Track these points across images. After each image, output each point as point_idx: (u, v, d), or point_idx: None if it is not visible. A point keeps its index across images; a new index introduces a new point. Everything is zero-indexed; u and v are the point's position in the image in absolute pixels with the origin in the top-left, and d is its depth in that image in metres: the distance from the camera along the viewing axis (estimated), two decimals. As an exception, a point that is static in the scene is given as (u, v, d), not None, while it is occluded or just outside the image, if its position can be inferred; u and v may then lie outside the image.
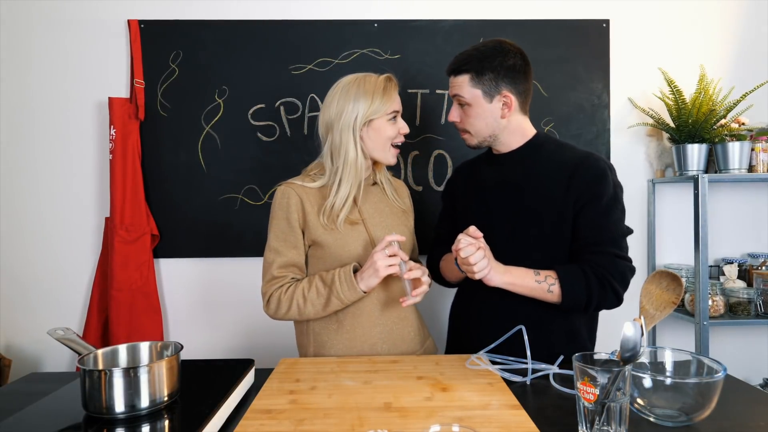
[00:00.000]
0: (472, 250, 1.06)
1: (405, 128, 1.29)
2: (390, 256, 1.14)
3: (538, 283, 1.12)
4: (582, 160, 1.18)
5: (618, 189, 1.18)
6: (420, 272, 1.18)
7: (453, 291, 1.46)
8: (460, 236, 1.08)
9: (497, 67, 1.18)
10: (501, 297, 1.16)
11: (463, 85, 1.21)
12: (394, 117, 1.27)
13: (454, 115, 1.26)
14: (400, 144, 1.30)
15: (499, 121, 1.22)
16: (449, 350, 1.41)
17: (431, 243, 1.49)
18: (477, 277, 1.08)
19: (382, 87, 1.25)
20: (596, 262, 1.13)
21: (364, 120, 1.23)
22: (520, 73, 1.21)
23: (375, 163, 1.33)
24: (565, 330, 1.20)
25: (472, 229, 1.10)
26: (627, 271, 1.15)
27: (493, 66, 1.18)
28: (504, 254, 1.15)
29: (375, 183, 1.36)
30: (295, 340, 1.37)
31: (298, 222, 1.24)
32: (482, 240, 1.10)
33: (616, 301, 1.14)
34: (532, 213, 1.20)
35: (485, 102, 1.20)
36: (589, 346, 1.26)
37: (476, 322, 1.28)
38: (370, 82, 1.25)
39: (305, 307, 1.19)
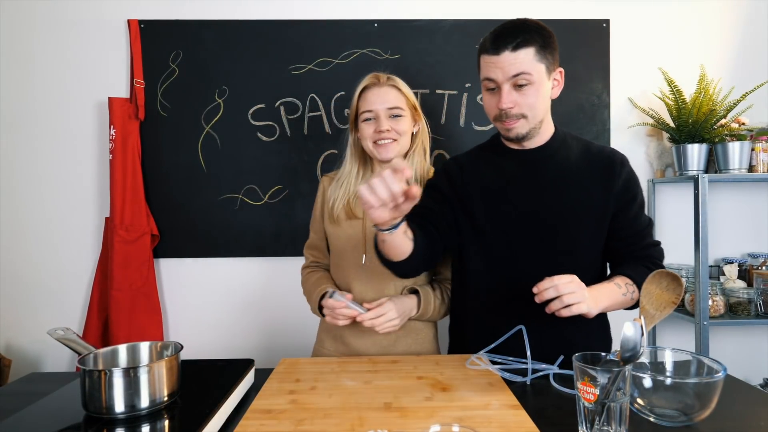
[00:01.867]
0: (573, 287, 0.95)
1: (381, 125, 1.26)
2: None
3: (623, 296, 1.08)
4: (612, 157, 1.17)
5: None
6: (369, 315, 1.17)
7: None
8: (555, 280, 0.95)
9: (552, 41, 1.08)
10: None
11: (528, 59, 1.04)
12: (368, 118, 1.27)
13: (510, 99, 1.07)
14: (387, 140, 1.27)
15: (549, 102, 1.12)
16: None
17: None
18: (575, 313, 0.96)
19: (358, 89, 1.30)
20: (650, 255, 1.15)
21: (351, 123, 1.34)
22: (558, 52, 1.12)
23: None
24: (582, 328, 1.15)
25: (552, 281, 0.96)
26: (663, 255, 1.20)
27: (550, 38, 1.07)
28: (544, 253, 1.13)
29: None
30: (304, 337, 1.43)
31: (320, 210, 1.38)
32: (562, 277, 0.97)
33: None
34: (574, 211, 1.13)
35: (546, 78, 1.08)
36: (607, 340, 1.25)
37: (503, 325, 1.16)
38: (358, 86, 1.31)
39: (306, 295, 1.37)
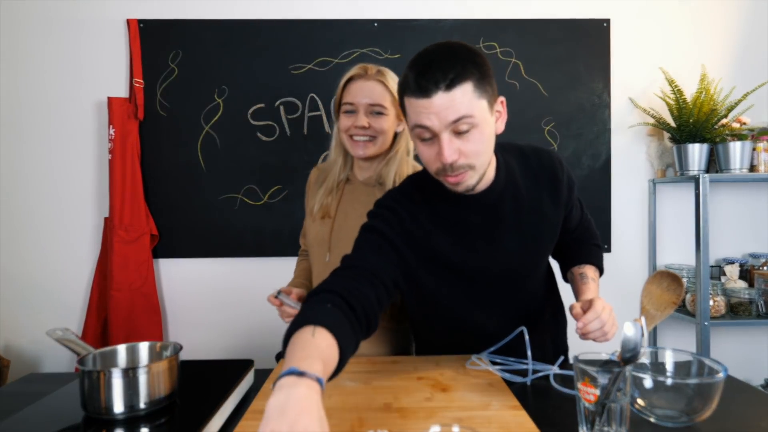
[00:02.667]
0: (611, 317, 0.97)
1: (359, 121, 1.20)
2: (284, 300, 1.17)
3: (593, 283, 1.12)
4: (552, 163, 1.05)
5: None
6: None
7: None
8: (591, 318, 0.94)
9: (487, 67, 0.87)
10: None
11: (466, 99, 0.83)
12: (349, 110, 1.22)
13: (453, 150, 0.85)
14: (362, 138, 1.22)
15: (493, 141, 0.92)
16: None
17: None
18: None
19: (344, 78, 1.25)
20: (594, 233, 1.22)
21: (335, 113, 1.30)
22: None
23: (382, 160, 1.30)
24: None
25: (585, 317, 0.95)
26: None
27: (486, 65, 0.87)
28: (510, 283, 1.06)
29: (379, 184, 1.27)
30: None
31: (306, 201, 1.37)
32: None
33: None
34: (534, 236, 1.04)
35: (489, 116, 0.88)
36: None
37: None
38: (348, 71, 1.26)
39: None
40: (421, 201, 1.00)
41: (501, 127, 0.93)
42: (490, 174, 0.98)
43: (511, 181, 1.01)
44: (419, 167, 1.18)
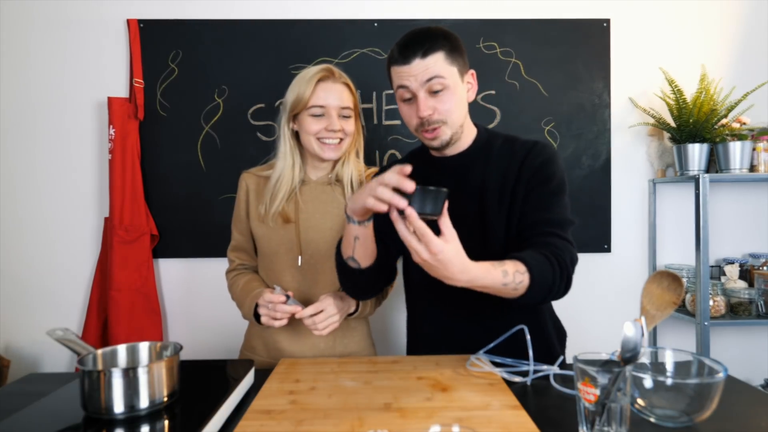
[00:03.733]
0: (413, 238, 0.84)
1: (332, 124, 1.21)
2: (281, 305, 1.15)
3: (503, 285, 0.93)
4: (531, 146, 1.11)
5: (565, 176, 1.12)
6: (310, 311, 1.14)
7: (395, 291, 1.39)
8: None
9: (459, 44, 1.07)
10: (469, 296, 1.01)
11: (439, 63, 1.03)
12: (319, 114, 1.21)
13: (428, 105, 1.04)
14: (333, 140, 1.22)
15: (466, 106, 1.11)
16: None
17: None
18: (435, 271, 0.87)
19: (308, 81, 1.20)
20: (552, 243, 1.01)
21: (290, 113, 1.25)
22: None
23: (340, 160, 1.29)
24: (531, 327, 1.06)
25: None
26: (575, 259, 1.03)
27: (457, 42, 1.07)
28: (469, 254, 1.05)
29: (336, 182, 1.30)
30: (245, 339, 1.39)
31: (244, 211, 1.31)
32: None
33: (565, 290, 1.02)
34: (495, 213, 1.10)
35: (460, 82, 1.07)
36: (560, 346, 1.22)
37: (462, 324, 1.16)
38: (301, 76, 1.23)
39: (235, 301, 1.31)
40: (408, 159, 1.21)
41: (472, 96, 1.12)
42: (466, 140, 1.15)
43: (484, 156, 1.14)
44: (367, 167, 1.35)
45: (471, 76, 1.11)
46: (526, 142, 1.13)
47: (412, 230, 0.83)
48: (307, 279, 1.27)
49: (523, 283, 0.94)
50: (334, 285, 1.25)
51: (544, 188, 1.08)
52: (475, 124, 1.18)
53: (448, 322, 1.18)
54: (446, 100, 1.05)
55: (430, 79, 1.03)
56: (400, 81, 1.06)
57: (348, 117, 1.25)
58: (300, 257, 1.26)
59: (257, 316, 1.21)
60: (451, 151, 1.15)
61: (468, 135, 1.15)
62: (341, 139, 1.24)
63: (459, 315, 1.16)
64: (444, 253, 0.83)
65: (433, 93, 1.05)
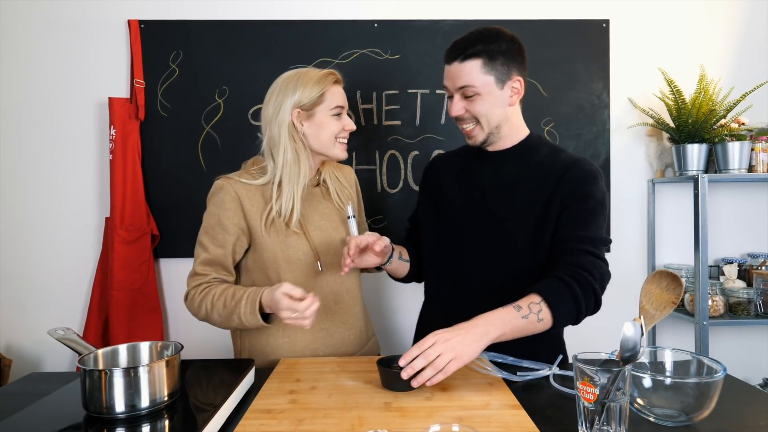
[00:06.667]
0: (440, 349, 0.87)
1: (351, 125, 1.23)
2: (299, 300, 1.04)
3: (524, 319, 0.95)
4: (574, 162, 1.13)
5: (605, 197, 1.14)
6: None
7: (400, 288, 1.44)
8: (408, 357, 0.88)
9: (506, 51, 1.11)
10: (480, 305, 1.02)
11: (474, 72, 1.09)
12: (339, 113, 1.22)
13: (459, 107, 1.13)
14: (345, 140, 1.24)
15: (507, 109, 1.15)
16: None
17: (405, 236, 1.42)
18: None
19: (323, 80, 1.19)
20: (574, 262, 1.03)
21: (299, 112, 1.18)
22: (524, 59, 1.15)
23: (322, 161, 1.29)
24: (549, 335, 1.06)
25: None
26: (606, 274, 1.06)
27: (502, 49, 1.10)
28: (493, 259, 1.15)
29: (318, 184, 1.30)
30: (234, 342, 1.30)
31: (232, 222, 1.18)
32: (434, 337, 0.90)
33: (595, 306, 1.04)
34: (520, 215, 1.13)
35: (497, 89, 1.12)
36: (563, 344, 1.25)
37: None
38: (310, 75, 1.20)
39: (212, 314, 1.14)
40: (459, 155, 1.31)
41: (515, 101, 1.16)
42: (510, 141, 1.20)
43: (527, 157, 1.18)
44: (344, 167, 1.40)
45: (518, 82, 1.14)
46: (571, 156, 1.17)
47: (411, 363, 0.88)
48: (329, 282, 1.24)
49: (544, 312, 0.97)
50: (355, 287, 1.31)
51: (581, 206, 1.09)
52: (531, 130, 1.23)
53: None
54: (478, 104, 1.12)
55: (462, 87, 1.12)
56: (444, 80, 1.16)
57: (350, 117, 1.27)
58: (319, 263, 1.22)
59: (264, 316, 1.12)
60: (494, 147, 1.20)
61: (514, 136, 1.19)
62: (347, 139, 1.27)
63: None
64: (440, 337, 0.90)
65: (466, 97, 1.12)
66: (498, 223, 1.16)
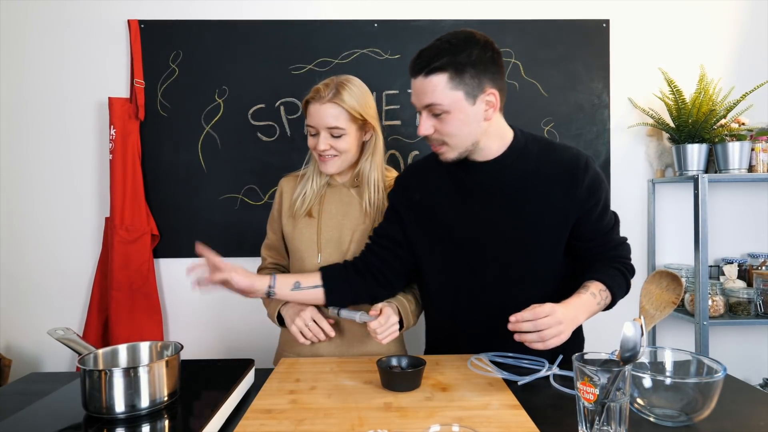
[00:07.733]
0: (550, 322, 0.93)
1: (320, 145, 1.22)
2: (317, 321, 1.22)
3: (598, 305, 1.06)
4: (576, 162, 1.10)
5: (604, 181, 1.17)
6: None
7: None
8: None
9: (476, 61, 0.98)
10: (501, 299, 1.11)
11: (439, 88, 0.98)
12: (314, 133, 1.23)
13: (426, 126, 1.02)
14: (328, 156, 1.24)
15: (482, 124, 1.04)
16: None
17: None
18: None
19: (308, 96, 1.24)
20: (621, 254, 1.15)
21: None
22: (499, 67, 1.03)
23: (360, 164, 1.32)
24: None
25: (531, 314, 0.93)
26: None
27: (472, 60, 0.98)
28: (505, 265, 1.12)
29: (356, 186, 1.32)
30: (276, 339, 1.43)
31: (278, 210, 1.36)
32: (540, 309, 0.93)
33: (627, 289, 1.15)
34: (534, 220, 1.10)
35: (468, 105, 1.00)
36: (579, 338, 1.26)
37: (476, 324, 1.17)
38: (312, 87, 1.26)
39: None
40: (437, 164, 1.14)
41: (491, 115, 1.04)
42: (497, 148, 1.10)
43: (522, 161, 1.10)
44: (391, 170, 1.36)
45: (492, 95, 1.02)
46: (566, 153, 1.12)
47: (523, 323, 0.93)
48: None
49: (608, 299, 1.08)
50: None
51: (597, 206, 1.12)
52: (512, 127, 1.14)
53: (472, 324, 1.18)
54: (448, 123, 1.01)
55: (429, 105, 1.01)
56: (411, 94, 1.06)
57: (339, 136, 1.22)
58: (320, 254, 1.28)
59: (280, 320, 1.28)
60: (482, 157, 1.10)
61: (499, 142, 1.10)
62: (335, 155, 1.24)
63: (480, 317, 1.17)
64: (556, 312, 0.93)
65: (435, 115, 1.02)
66: (512, 232, 1.11)
